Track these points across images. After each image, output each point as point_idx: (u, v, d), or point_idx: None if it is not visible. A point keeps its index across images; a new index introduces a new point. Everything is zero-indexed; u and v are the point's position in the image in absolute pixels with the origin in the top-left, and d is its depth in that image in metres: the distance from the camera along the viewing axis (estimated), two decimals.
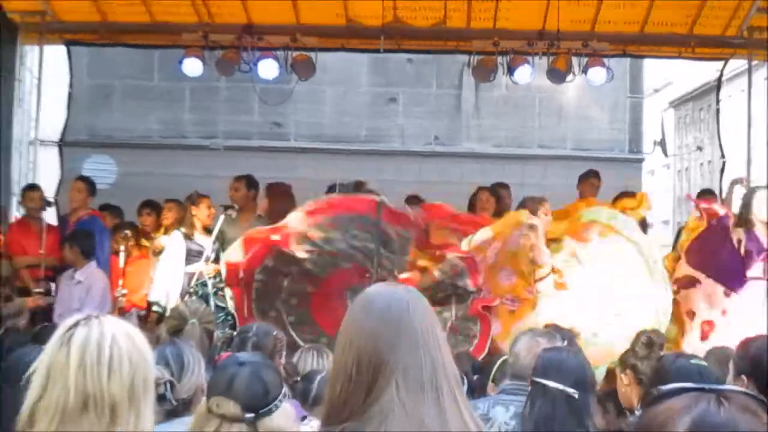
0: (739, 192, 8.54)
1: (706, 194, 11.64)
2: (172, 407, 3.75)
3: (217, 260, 9.10)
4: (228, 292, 8.68)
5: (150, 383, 2.65)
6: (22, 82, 12.74)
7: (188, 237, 9.26)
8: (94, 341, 2.55)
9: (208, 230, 9.47)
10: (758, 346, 4.13)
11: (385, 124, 15.81)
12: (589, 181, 10.80)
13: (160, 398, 3.78)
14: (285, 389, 3.32)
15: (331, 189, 10.05)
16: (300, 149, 15.02)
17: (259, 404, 3.02)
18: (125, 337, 2.59)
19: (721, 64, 13.92)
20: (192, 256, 9.13)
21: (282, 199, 9.56)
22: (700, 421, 1.51)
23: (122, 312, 8.82)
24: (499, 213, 9.84)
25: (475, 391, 5.42)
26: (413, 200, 10.80)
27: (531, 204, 8.73)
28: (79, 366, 2.51)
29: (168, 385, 3.76)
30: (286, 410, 3.21)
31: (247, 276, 8.46)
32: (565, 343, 5.06)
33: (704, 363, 4.65)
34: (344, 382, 2.40)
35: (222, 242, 9.20)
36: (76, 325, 2.59)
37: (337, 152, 14.79)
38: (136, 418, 2.55)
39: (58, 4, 12.15)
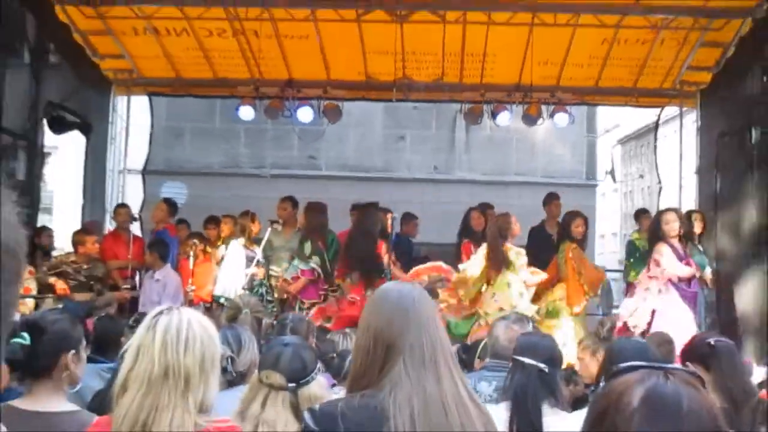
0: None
1: (642, 212, 11.66)
2: (232, 378, 3.72)
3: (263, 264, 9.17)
4: None
5: (216, 360, 2.67)
6: (114, 125, 12.76)
7: (246, 246, 9.27)
8: (174, 326, 2.58)
9: (255, 240, 9.51)
10: (699, 339, 4.17)
11: (396, 157, 15.78)
12: (553, 203, 10.73)
13: (223, 371, 3.79)
14: (319, 364, 3.34)
15: (354, 207, 10.04)
16: (329, 176, 14.95)
17: (299, 376, 3.03)
18: (198, 323, 2.62)
19: (658, 110, 13.99)
20: (248, 260, 9.12)
21: (317, 215, 9.37)
22: (652, 392, 1.51)
23: (191, 304, 8.80)
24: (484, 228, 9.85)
25: (466, 366, 5.36)
26: (408, 216, 10.82)
27: (503, 219, 8.73)
28: (162, 345, 2.55)
29: (229, 360, 3.73)
30: (320, 381, 3.21)
31: None
32: (531, 326, 4.99)
33: (644, 341, 4.63)
34: (363, 358, 2.42)
35: (270, 249, 9.22)
36: (160, 313, 2.63)
37: (358, 179, 14.76)
38: (205, 386, 2.58)
39: (142, 64, 12.25)
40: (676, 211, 8.95)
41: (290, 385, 3.00)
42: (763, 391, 2.29)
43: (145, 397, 2.53)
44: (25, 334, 2.93)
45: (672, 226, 8.29)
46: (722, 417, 1.56)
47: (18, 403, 2.99)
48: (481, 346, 5.37)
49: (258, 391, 3.05)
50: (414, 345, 2.36)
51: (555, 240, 9.85)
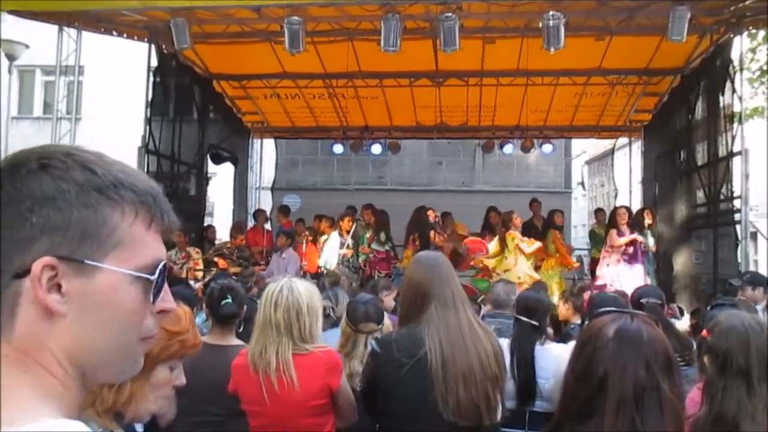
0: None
1: (598, 210, 11.34)
2: (334, 320, 3.75)
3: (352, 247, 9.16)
4: None
5: (312, 309, 2.57)
6: (252, 158, 12.95)
7: (341, 235, 9.25)
8: (272, 292, 2.58)
9: (347, 231, 9.49)
10: (635, 297, 3.98)
11: (436, 175, 15.67)
12: (534, 204, 10.47)
13: (326, 316, 3.80)
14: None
15: (418, 210, 9.64)
16: (393, 190, 14.88)
17: (380, 320, 3.04)
18: (296, 289, 2.58)
19: (614, 140, 13.69)
20: (341, 245, 9.11)
21: (382, 217, 9.35)
22: (622, 327, 1.49)
23: (304, 275, 8.82)
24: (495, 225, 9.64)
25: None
26: (446, 214, 10.60)
27: (507, 215, 8.57)
28: (263, 304, 2.60)
29: (331, 309, 3.80)
30: (387, 321, 3.23)
31: None
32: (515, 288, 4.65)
33: (614, 294, 4.50)
34: (408, 304, 2.44)
35: (357, 237, 9.20)
36: (270, 283, 2.70)
37: (412, 191, 14.64)
38: (299, 327, 2.54)
39: (270, 117, 12.44)
40: (625, 207, 8.99)
41: (377, 326, 3.00)
42: (704, 331, 2.20)
43: (260, 336, 2.61)
44: (229, 297, 2.99)
45: (622, 216, 8.40)
46: (670, 346, 1.53)
47: (206, 338, 3.04)
48: (480, 299, 5.31)
49: (358, 337, 3.01)
50: (440, 293, 2.37)
51: (540, 229, 9.57)
